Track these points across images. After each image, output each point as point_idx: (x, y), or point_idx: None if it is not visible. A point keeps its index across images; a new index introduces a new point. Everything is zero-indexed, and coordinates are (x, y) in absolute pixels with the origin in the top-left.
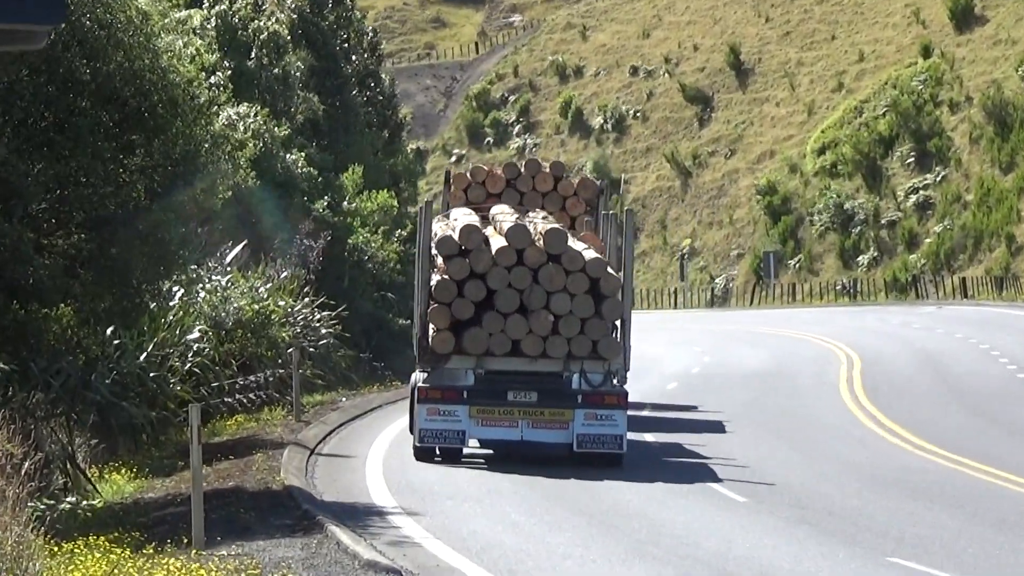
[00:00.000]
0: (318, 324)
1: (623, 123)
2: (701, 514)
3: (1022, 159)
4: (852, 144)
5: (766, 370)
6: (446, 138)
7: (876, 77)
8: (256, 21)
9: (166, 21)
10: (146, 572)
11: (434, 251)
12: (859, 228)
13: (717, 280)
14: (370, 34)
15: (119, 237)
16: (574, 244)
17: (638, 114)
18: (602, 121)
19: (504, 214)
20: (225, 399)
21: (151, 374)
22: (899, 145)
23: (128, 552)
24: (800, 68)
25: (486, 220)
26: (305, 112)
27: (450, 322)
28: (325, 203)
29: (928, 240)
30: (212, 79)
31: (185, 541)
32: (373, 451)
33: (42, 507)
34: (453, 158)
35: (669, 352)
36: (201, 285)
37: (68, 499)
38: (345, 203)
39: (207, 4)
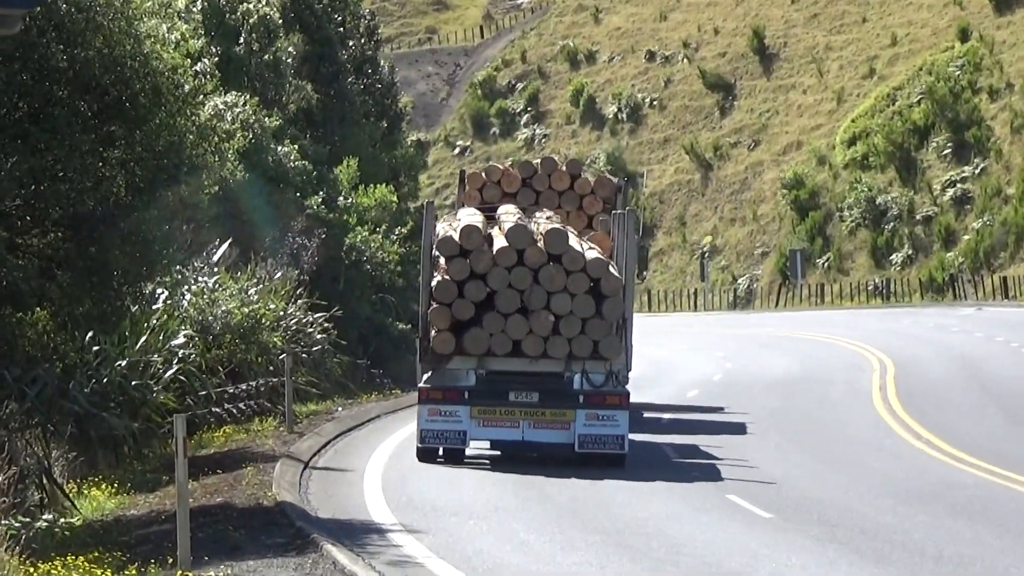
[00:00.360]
0: (312, 329)
1: (639, 112)
2: (723, 531)
3: None
4: (884, 134)
5: (793, 377)
6: (449, 129)
7: (910, 62)
8: (245, 4)
9: (148, 4)
10: None
11: (436, 252)
12: (892, 224)
13: (740, 280)
14: (367, 17)
15: (99, 236)
16: (575, 244)
17: (655, 103)
18: (616, 110)
19: (508, 214)
20: (213, 409)
21: (133, 382)
22: (935, 135)
23: (109, 573)
24: (829, 53)
25: (494, 220)
26: (298, 101)
27: (451, 323)
28: (319, 199)
29: (966, 237)
30: (198, 66)
31: (170, 561)
32: (371, 464)
33: (16, 525)
34: (456, 150)
35: (689, 357)
36: (187, 287)
37: (44, 516)
38: (341, 199)
39: None
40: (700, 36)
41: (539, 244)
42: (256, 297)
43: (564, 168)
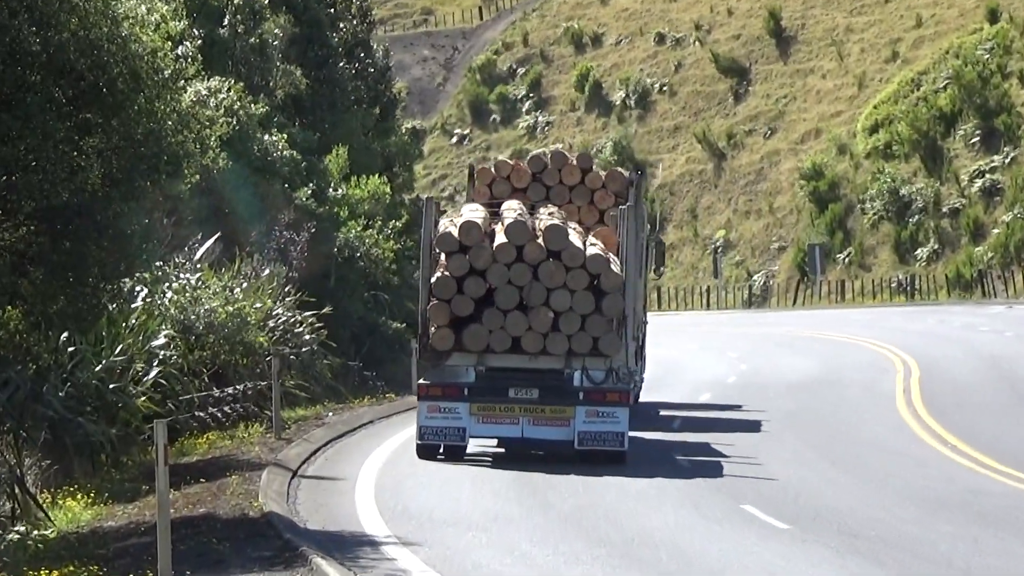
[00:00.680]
0: (301, 329)
1: (647, 99)
2: (737, 543)
3: None
4: (909, 122)
5: (811, 379)
6: (446, 116)
7: (936, 45)
8: None
9: None
10: None
11: (435, 248)
12: (917, 217)
13: (755, 277)
14: None
15: (74, 229)
16: (575, 240)
17: (665, 88)
18: (624, 96)
19: (510, 210)
20: (195, 414)
21: (111, 386)
22: (962, 123)
23: None
24: (849, 35)
25: (499, 216)
26: (285, 87)
27: (450, 319)
28: (309, 190)
29: (996, 231)
30: (179, 49)
31: (150, 575)
32: (364, 472)
33: None
34: (454, 138)
35: (701, 359)
36: (167, 284)
37: (16, 528)
38: (331, 190)
39: None
40: (713, 17)
41: (538, 240)
42: (241, 295)
43: (575, 162)
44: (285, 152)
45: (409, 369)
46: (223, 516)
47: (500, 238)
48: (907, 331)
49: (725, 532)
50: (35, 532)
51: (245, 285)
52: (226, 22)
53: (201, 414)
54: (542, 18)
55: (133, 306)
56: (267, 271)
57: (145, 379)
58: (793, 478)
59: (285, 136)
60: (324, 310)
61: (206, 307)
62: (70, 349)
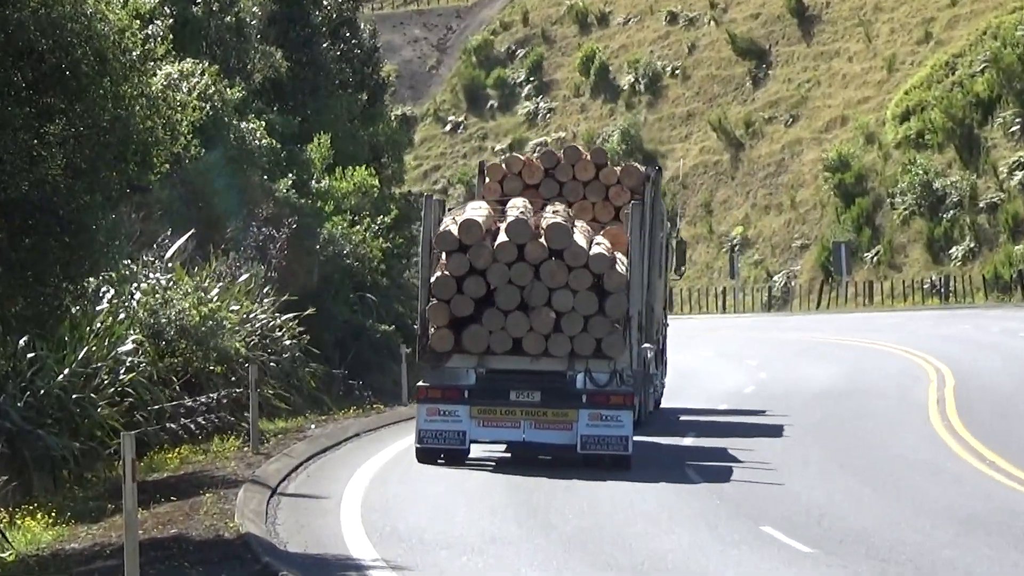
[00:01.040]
0: (281, 333)
1: (658, 83)
2: (757, 567)
3: None
4: (943, 108)
5: (837, 389)
6: (439, 102)
7: (972, 25)
8: None
9: None
10: None
11: (435, 247)
12: (952, 213)
13: (775, 278)
14: None
15: (34, 224)
16: (579, 239)
17: (677, 72)
18: (632, 81)
19: (513, 208)
20: (166, 426)
21: (73, 395)
22: (1001, 110)
23: None
24: (878, 14)
25: (504, 214)
26: (264, 70)
27: (449, 319)
28: (289, 182)
29: None
30: (149, 29)
31: None
32: (350, 490)
33: None
34: (447, 126)
35: (716, 366)
36: (135, 284)
37: None
38: (314, 182)
39: None
40: None
41: (540, 239)
42: (216, 296)
43: (589, 157)
44: (264, 140)
45: (399, 378)
46: (196, 537)
47: (501, 237)
48: (941, 336)
49: (743, 556)
50: None
51: (220, 286)
52: (200, 0)
53: (172, 426)
54: None
55: (98, 308)
56: (244, 270)
57: (111, 388)
58: (817, 496)
59: (264, 123)
60: (306, 313)
61: (178, 309)
62: (29, 355)
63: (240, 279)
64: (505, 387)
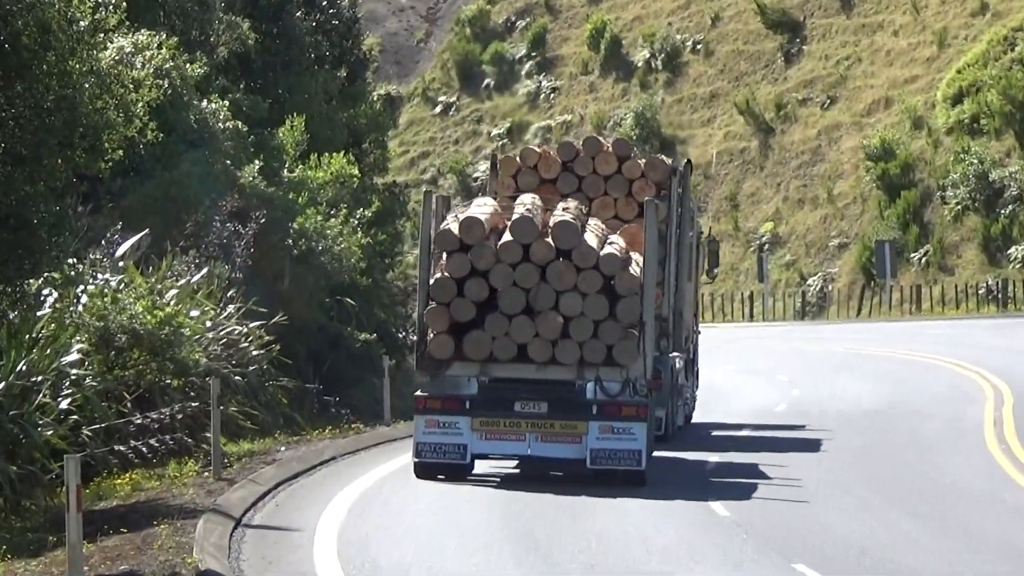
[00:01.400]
0: (247, 343)
1: (677, 60)
2: None
3: None
4: (1000, 89)
5: (879, 408)
6: (428, 80)
7: None
8: None
9: None
10: None
11: (434, 247)
12: (1011, 207)
13: (810, 281)
14: None
15: None
16: (590, 238)
17: (699, 47)
18: (648, 56)
19: (520, 205)
20: (115, 447)
21: (11, 412)
22: None
23: None
24: None
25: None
26: (229, 43)
27: (449, 324)
28: (256, 169)
29: None
30: None
31: None
32: (325, 522)
33: None
34: (438, 107)
35: (743, 382)
36: (82, 287)
37: None
38: (286, 170)
39: None
40: None
41: (547, 238)
42: (174, 300)
43: (610, 148)
44: (229, 123)
45: (381, 394)
46: (149, 575)
47: (505, 236)
48: (998, 349)
49: None
50: None
51: (179, 288)
52: None
53: (122, 448)
54: None
55: (40, 313)
56: (205, 271)
57: (54, 404)
58: (857, 530)
59: (229, 103)
60: (276, 320)
61: (130, 314)
62: None
63: (196, 279)
64: (509, 397)
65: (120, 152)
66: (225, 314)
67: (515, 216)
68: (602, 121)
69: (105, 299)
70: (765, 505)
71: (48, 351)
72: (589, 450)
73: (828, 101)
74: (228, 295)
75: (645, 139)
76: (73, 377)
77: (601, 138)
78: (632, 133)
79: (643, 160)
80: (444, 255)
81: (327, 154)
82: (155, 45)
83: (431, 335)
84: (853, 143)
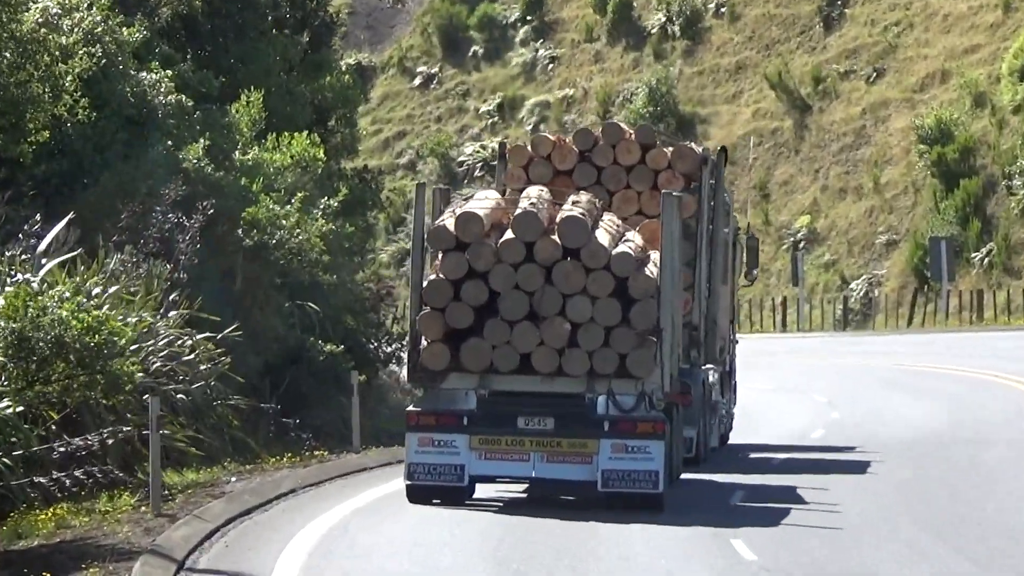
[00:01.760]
0: (193, 355)
1: (698, 25)
2: None
3: None
4: None
5: (934, 435)
6: (406, 48)
7: None
8: None
9: None
10: None
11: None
12: None
13: (853, 285)
14: None
15: None
16: (601, 236)
17: (723, 10)
18: (664, 21)
19: (525, 199)
20: (36, 478)
21: None
22: None
23: None
24: None
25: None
26: (172, 4)
27: (444, 331)
28: (202, 150)
29: None
30: None
31: None
32: (282, 566)
33: None
34: (417, 79)
35: (775, 403)
36: None
37: None
38: (238, 153)
39: None
40: None
41: (552, 236)
42: (106, 304)
43: (633, 136)
44: (171, 97)
45: (348, 416)
46: None
47: (507, 233)
48: None
49: None
50: None
51: (112, 289)
52: None
53: (42, 480)
54: None
55: None
56: (143, 269)
57: None
58: None
59: (171, 74)
60: (229, 331)
61: (52, 319)
62: None
63: (138, 279)
64: (511, 412)
65: (46, 132)
66: (166, 321)
67: (518, 211)
68: (609, 96)
69: (24, 302)
70: (798, 546)
71: None
72: (600, 471)
73: (874, 74)
74: (170, 299)
75: (659, 117)
76: None
77: (623, 124)
78: (644, 111)
79: (670, 149)
80: (439, 254)
81: (287, 134)
82: (85, 6)
83: (424, 344)
84: (904, 123)
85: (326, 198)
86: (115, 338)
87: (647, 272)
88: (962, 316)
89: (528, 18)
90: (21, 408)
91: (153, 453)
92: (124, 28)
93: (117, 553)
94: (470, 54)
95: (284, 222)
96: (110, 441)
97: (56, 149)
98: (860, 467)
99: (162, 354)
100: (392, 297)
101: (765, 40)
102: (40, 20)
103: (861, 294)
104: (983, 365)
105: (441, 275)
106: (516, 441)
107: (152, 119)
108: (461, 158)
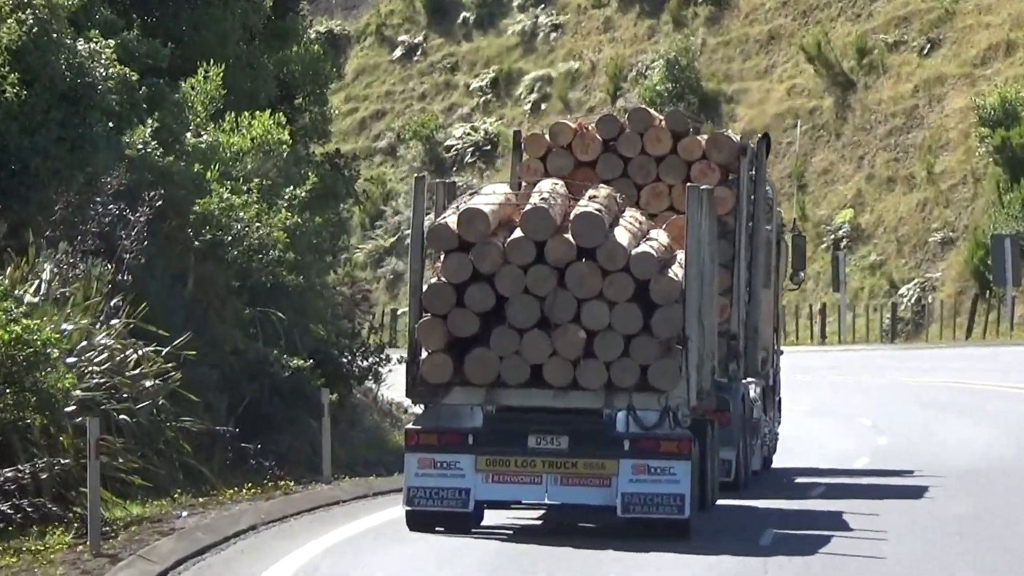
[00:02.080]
0: (137, 369)
1: None
2: None
3: None
4: None
5: (997, 463)
6: (385, 14)
7: None
8: None
9: None
10: None
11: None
12: None
13: (903, 290)
14: None
15: None
16: (620, 235)
17: None
18: None
19: (536, 194)
20: None
21: None
22: None
23: None
24: None
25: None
26: None
27: (447, 341)
28: (151, 133)
29: None
30: None
31: None
32: None
33: None
34: (397, 50)
35: (813, 426)
36: None
37: None
38: (191, 135)
39: None
40: None
41: (565, 234)
42: (36, 309)
43: (663, 123)
44: (114, 70)
45: (317, 441)
46: None
47: (516, 231)
48: None
49: None
50: None
51: (43, 293)
52: None
53: None
54: None
55: None
56: (81, 270)
57: None
58: None
59: (115, 45)
60: (179, 341)
61: None
62: None
63: (72, 280)
64: (521, 430)
65: None
66: (108, 330)
67: (527, 207)
68: (621, 71)
69: None
70: None
71: None
72: (620, 495)
73: (928, 45)
74: (112, 304)
75: (679, 95)
76: None
77: (652, 110)
78: (662, 88)
79: (704, 137)
80: (440, 255)
81: (247, 113)
82: None
83: (424, 354)
84: (962, 103)
85: (292, 187)
86: (48, 349)
87: (671, 274)
88: None
89: None
90: None
91: (92, 483)
92: None
93: None
94: (459, 21)
95: (242, 214)
96: (43, 471)
97: None
98: (911, 499)
99: (103, 368)
100: (369, 303)
101: (802, 5)
102: None
103: (912, 301)
104: None
105: (443, 278)
106: (527, 462)
107: (91, 95)
108: (449, 142)
